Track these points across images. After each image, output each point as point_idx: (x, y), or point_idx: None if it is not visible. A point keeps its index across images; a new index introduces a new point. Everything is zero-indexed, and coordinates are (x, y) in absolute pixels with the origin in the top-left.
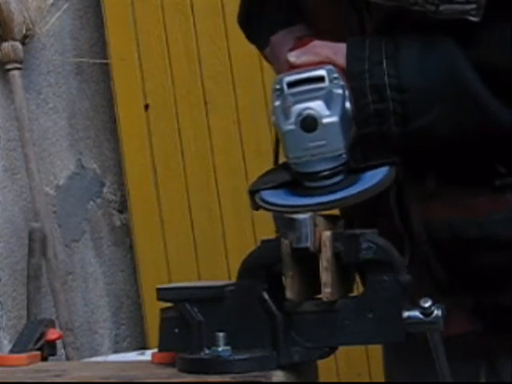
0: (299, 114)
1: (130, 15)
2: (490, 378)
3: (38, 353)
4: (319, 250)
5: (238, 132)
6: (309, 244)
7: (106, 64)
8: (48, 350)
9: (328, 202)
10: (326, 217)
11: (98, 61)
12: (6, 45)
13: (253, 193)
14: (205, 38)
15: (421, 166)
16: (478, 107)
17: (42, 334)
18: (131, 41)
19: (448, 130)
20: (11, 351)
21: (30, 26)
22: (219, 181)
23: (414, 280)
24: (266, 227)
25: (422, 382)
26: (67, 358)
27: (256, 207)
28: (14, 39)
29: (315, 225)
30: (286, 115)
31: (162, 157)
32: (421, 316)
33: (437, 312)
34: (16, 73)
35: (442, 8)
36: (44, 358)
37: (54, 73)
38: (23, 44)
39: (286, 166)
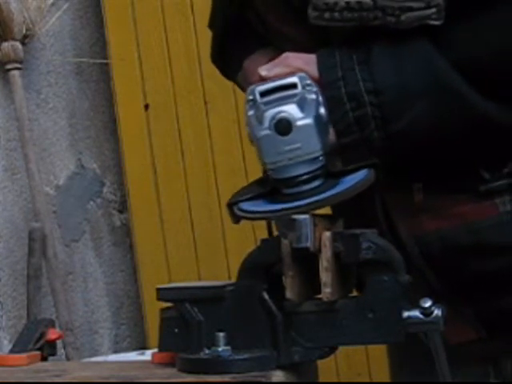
0: (272, 118)
1: (130, 15)
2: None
3: (38, 353)
4: (319, 250)
5: (237, 132)
6: (309, 244)
7: (106, 64)
8: (48, 350)
9: (306, 205)
10: (326, 217)
11: (98, 61)
12: (5, 45)
13: (231, 206)
14: (205, 38)
15: (406, 175)
16: (459, 102)
17: (42, 334)
18: (131, 41)
19: (429, 128)
20: (11, 351)
21: (30, 25)
22: (219, 181)
23: (412, 291)
24: (266, 227)
25: (422, 381)
26: (67, 358)
27: (236, 220)
28: (14, 39)
29: (315, 225)
30: (260, 121)
31: (162, 157)
32: (421, 316)
33: (437, 312)
34: (16, 73)
35: (403, 18)
36: (44, 358)
37: (54, 73)
38: (23, 44)
39: (263, 179)
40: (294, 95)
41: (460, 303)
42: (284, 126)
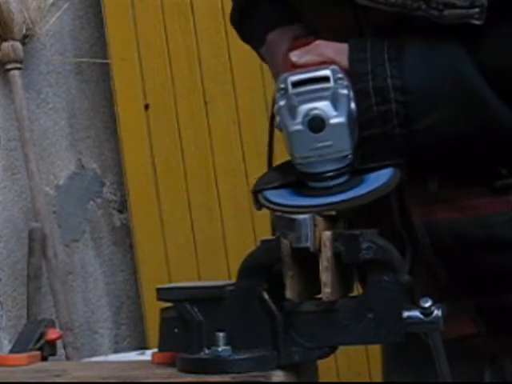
0: (306, 114)
1: (130, 15)
2: (494, 380)
3: (38, 353)
4: (319, 250)
5: (238, 132)
6: (309, 244)
7: (106, 64)
8: (48, 350)
9: (337, 203)
10: (326, 217)
11: (98, 61)
12: (5, 45)
13: (256, 192)
14: (205, 38)
15: (423, 168)
16: (482, 109)
17: (42, 334)
18: (131, 41)
19: (452, 132)
20: (11, 351)
21: (30, 25)
22: (219, 181)
23: (417, 283)
24: (266, 227)
25: (422, 381)
26: (67, 358)
27: (259, 207)
28: (14, 39)
29: (315, 225)
30: (293, 115)
31: (162, 157)
32: (421, 316)
33: (437, 312)
34: (16, 73)
35: (445, 13)
36: (44, 358)
37: (54, 73)
38: (23, 44)
39: (288, 166)
40: (327, 89)
41: (463, 295)
42: (317, 124)
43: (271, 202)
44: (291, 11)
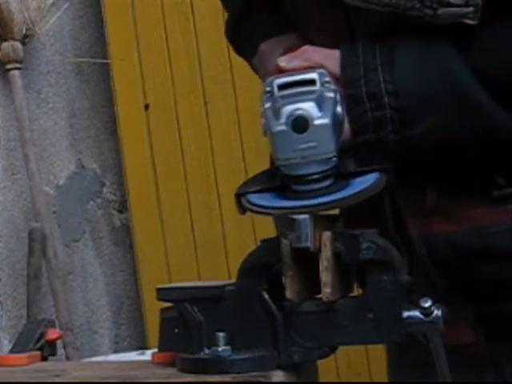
0: (290, 115)
1: (130, 15)
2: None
3: (38, 353)
4: (319, 250)
5: (238, 132)
6: (309, 244)
7: (106, 64)
8: (48, 350)
9: (319, 204)
10: (326, 217)
11: (98, 61)
12: (6, 45)
13: (239, 196)
14: (205, 38)
15: (419, 177)
16: (477, 113)
17: (42, 334)
18: (131, 41)
19: (446, 137)
20: (11, 351)
21: (30, 25)
22: (219, 181)
23: (415, 291)
24: (265, 227)
25: (421, 381)
26: (67, 358)
27: (243, 211)
28: (14, 39)
29: (315, 225)
30: (277, 116)
31: (162, 157)
32: (421, 316)
33: (437, 312)
34: (16, 73)
35: (439, 12)
36: (44, 358)
37: (54, 73)
38: (23, 44)
39: (273, 171)
40: (313, 92)
41: (462, 304)
42: (301, 124)
43: (254, 205)
44: (284, 20)
